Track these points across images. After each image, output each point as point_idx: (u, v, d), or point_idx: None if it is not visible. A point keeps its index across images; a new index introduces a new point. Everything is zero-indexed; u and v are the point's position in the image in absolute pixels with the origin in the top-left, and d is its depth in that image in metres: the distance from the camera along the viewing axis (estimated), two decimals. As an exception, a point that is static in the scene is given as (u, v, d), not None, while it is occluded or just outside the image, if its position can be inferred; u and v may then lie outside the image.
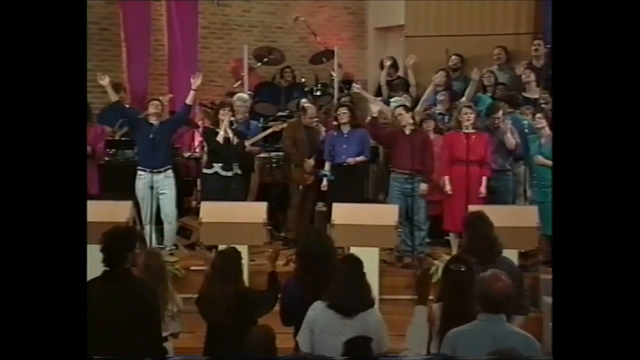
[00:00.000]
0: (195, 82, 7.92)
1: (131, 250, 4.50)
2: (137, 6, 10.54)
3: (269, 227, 7.68)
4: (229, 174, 7.95)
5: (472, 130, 7.56)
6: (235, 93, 9.28)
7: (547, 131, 7.60)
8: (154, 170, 7.78)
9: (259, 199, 8.49)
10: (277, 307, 5.10)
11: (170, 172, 7.94)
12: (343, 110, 8.20)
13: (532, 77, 8.97)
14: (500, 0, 10.10)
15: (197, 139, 9.12)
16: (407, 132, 7.71)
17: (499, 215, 6.45)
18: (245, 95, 9.07)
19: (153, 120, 7.89)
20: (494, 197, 7.64)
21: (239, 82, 10.25)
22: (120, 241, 4.48)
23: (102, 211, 6.66)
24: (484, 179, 7.52)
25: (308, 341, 4.56)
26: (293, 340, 4.75)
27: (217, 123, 7.98)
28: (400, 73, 10.15)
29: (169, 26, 10.81)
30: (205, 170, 8.14)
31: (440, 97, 8.90)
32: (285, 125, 8.85)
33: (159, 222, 7.90)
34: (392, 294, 7.10)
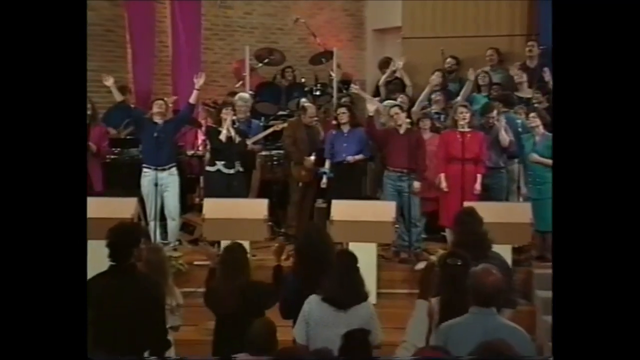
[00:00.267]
0: (199, 82, 7.93)
1: (136, 245, 4.52)
2: (141, 8, 10.56)
3: (270, 223, 7.70)
4: (231, 171, 7.96)
5: (468, 129, 7.57)
6: (237, 93, 9.28)
7: (541, 130, 7.64)
8: (159, 168, 7.79)
9: (260, 195, 8.52)
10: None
11: (174, 170, 7.95)
12: (342, 110, 8.25)
13: (524, 77, 9.01)
14: (495, 2, 10.11)
15: (200, 137, 9.13)
16: (402, 131, 7.74)
17: (493, 211, 6.49)
18: (246, 95, 9.08)
19: (157, 120, 7.90)
20: (488, 194, 7.65)
21: (240, 82, 10.26)
22: (126, 237, 4.50)
23: (107, 208, 6.71)
24: (479, 176, 7.54)
25: (304, 334, 4.61)
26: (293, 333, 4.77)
27: (219, 122, 7.99)
28: (398, 74, 10.14)
29: (173, 28, 10.82)
30: (208, 168, 8.15)
31: (436, 96, 8.91)
32: (285, 124, 8.86)
33: (163, 218, 7.92)
34: (390, 288, 7.14)
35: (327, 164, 8.16)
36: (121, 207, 6.98)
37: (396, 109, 7.93)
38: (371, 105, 8.11)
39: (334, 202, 7.33)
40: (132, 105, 9.07)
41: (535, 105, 8.32)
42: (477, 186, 7.51)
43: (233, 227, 7.04)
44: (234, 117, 8.07)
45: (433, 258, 7.09)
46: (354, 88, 9.20)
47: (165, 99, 8.38)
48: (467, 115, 7.58)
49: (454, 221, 5.53)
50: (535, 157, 7.66)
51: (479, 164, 7.56)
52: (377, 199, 8.40)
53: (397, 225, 7.48)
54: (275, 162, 8.96)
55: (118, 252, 4.41)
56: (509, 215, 6.96)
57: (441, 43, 9.99)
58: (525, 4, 10.05)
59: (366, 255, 6.63)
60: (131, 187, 7.87)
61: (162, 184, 7.80)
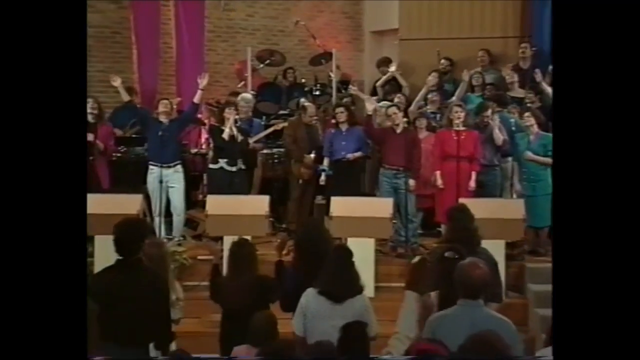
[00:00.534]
0: (202, 82, 7.95)
1: (142, 240, 4.55)
2: (147, 11, 10.57)
3: (271, 219, 7.72)
4: (234, 169, 7.99)
5: (462, 128, 7.59)
6: (239, 93, 9.29)
7: (536, 129, 7.66)
8: (164, 165, 7.81)
9: (261, 192, 8.52)
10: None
11: (179, 167, 7.98)
12: (340, 109, 8.26)
13: (516, 77, 9.04)
14: (489, 5, 10.12)
15: (204, 136, 9.13)
16: (398, 130, 7.76)
17: (487, 207, 6.53)
18: (248, 95, 9.09)
19: (163, 119, 7.91)
20: (482, 190, 7.67)
21: (242, 83, 10.27)
22: (132, 232, 4.53)
23: (114, 204, 6.72)
24: (473, 173, 7.55)
25: (302, 326, 4.64)
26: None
27: (222, 121, 8.03)
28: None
29: (177, 29, 10.84)
30: (211, 166, 8.17)
31: (432, 97, 8.92)
32: (286, 123, 8.87)
33: (168, 214, 7.94)
34: (387, 282, 7.15)
35: (326, 161, 8.17)
36: (127, 204, 6.99)
37: (394, 109, 7.95)
38: (370, 105, 8.12)
39: (333, 198, 7.34)
40: (138, 105, 9.08)
41: (529, 105, 8.34)
42: (472, 183, 7.53)
43: (235, 223, 7.04)
44: (237, 117, 8.10)
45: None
46: (352, 89, 9.21)
47: (171, 100, 8.41)
48: (462, 115, 7.60)
49: (446, 217, 5.55)
50: (529, 155, 7.67)
51: (473, 161, 7.57)
52: (375, 195, 8.42)
53: (395, 221, 7.50)
54: (276, 160, 8.97)
55: (124, 246, 4.43)
56: (502, 212, 6.97)
57: (437, 44, 10.00)
58: (518, 7, 10.06)
59: (364, 250, 6.66)
60: (137, 184, 7.91)
61: (167, 181, 7.82)
